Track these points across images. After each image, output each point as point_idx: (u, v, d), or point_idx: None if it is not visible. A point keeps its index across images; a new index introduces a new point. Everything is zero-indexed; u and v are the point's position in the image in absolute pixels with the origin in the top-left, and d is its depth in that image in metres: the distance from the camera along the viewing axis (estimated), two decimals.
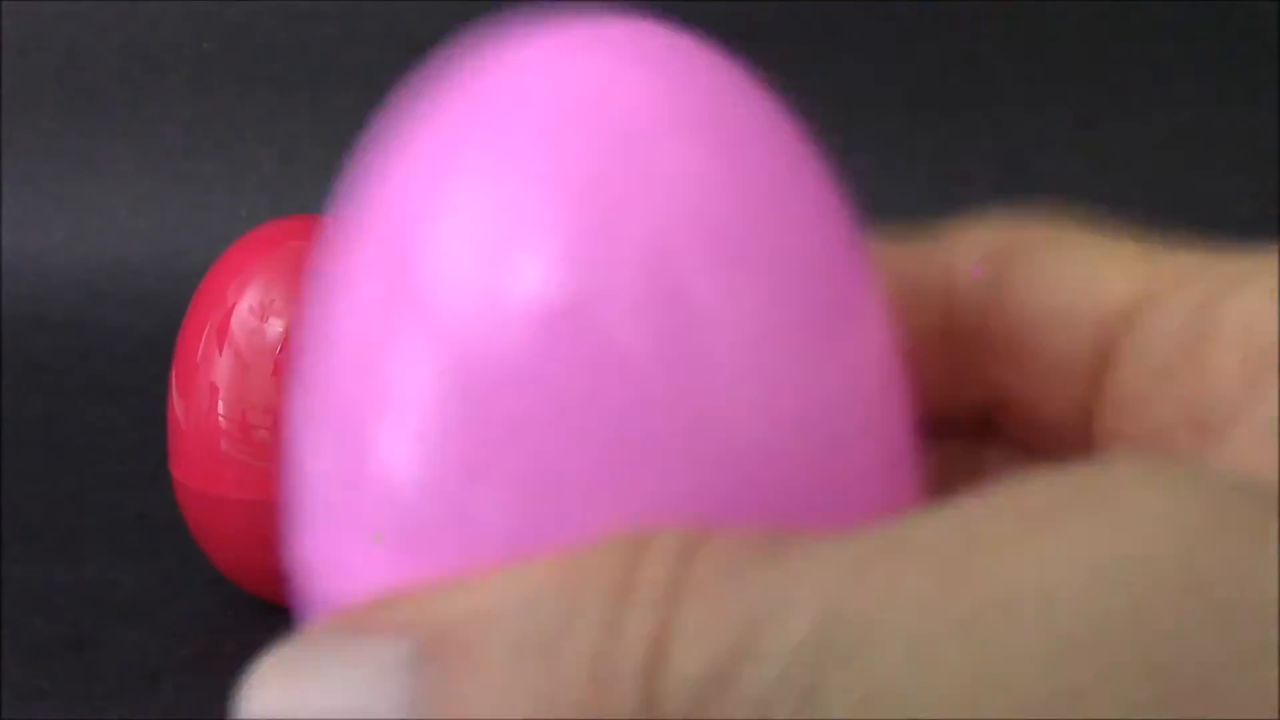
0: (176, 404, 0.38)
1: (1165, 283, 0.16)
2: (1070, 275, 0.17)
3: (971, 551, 0.11)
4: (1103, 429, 0.17)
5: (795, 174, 0.15)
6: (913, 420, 0.16)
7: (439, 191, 0.15)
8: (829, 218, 0.15)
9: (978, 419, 0.19)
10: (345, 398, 0.15)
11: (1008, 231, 0.18)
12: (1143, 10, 0.68)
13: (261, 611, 0.39)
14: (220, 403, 0.36)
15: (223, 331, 0.37)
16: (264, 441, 0.36)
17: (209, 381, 0.37)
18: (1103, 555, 0.11)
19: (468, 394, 0.14)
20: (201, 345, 0.37)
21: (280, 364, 0.36)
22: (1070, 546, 0.11)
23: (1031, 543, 0.11)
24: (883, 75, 0.67)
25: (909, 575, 0.11)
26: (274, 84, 0.71)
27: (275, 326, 0.36)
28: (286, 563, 0.16)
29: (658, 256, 0.14)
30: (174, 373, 0.38)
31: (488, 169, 0.14)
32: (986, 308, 0.18)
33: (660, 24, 0.16)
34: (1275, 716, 0.10)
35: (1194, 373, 0.15)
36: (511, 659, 0.12)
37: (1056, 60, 0.68)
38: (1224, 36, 0.67)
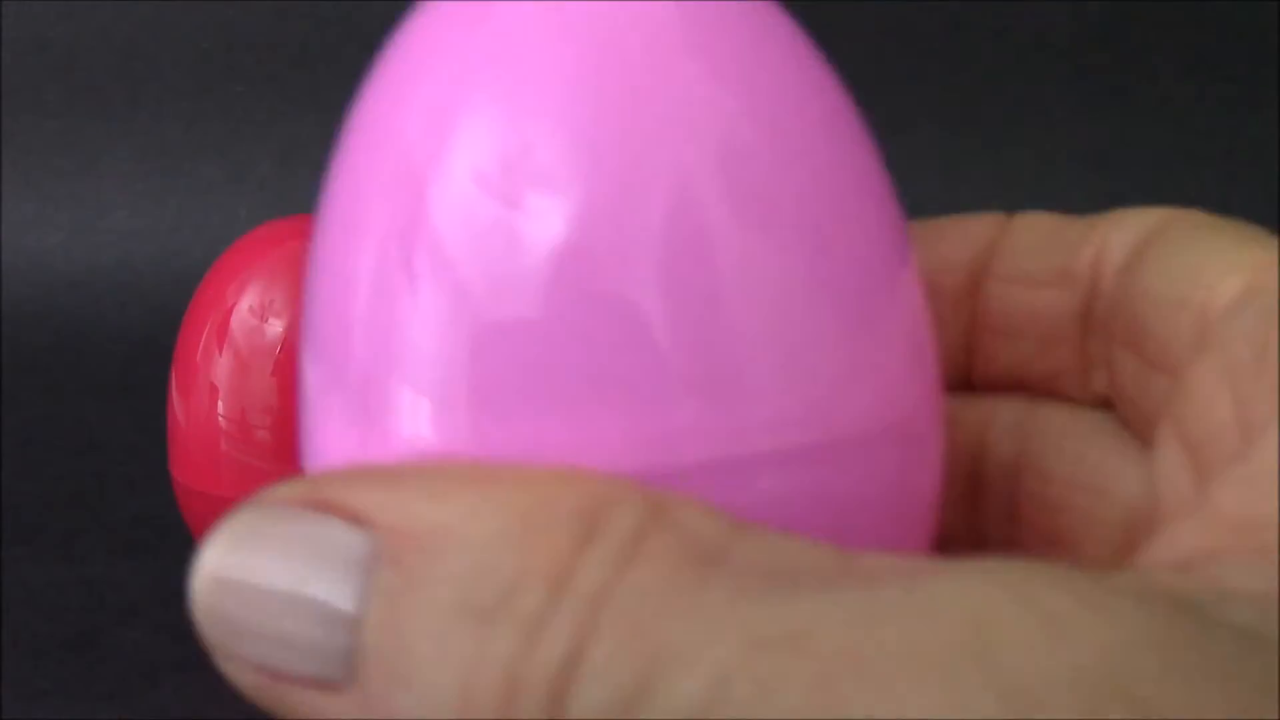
0: (176, 404, 0.38)
1: (1270, 275, 0.16)
2: (1181, 264, 0.17)
3: (858, 679, 0.11)
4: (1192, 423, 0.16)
5: (831, 125, 0.15)
6: (936, 397, 0.16)
7: (450, 123, 0.14)
8: (863, 176, 0.15)
9: (1103, 403, 0.19)
10: (350, 342, 0.14)
11: (1154, 220, 0.18)
12: (1143, 10, 0.68)
13: None
14: (220, 403, 0.36)
15: (223, 331, 0.37)
16: (264, 441, 0.36)
17: (209, 381, 0.37)
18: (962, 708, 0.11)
19: (479, 335, 0.13)
20: (201, 345, 0.37)
21: (280, 364, 0.36)
22: (940, 704, 0.11)
23: (904, 689, 0.11)
24: (884, 75, 0.67)
25: (795, 679, 0.11)
26: (274, 84, 0.71)
27: (275, 326, 0.36)
28: None
29: (679, 192, 0.13)
30: (174, 373, 0.38)
31: (501, 96, 0.14)
32: (1118, 295, 0.18)
33: None
34: None
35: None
36: (456, 609, 0.12)
37: (1056, 60, 0.68)
38: (1224, 36, 0.67)
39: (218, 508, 0.37)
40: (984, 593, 0.11)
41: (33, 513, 0.46)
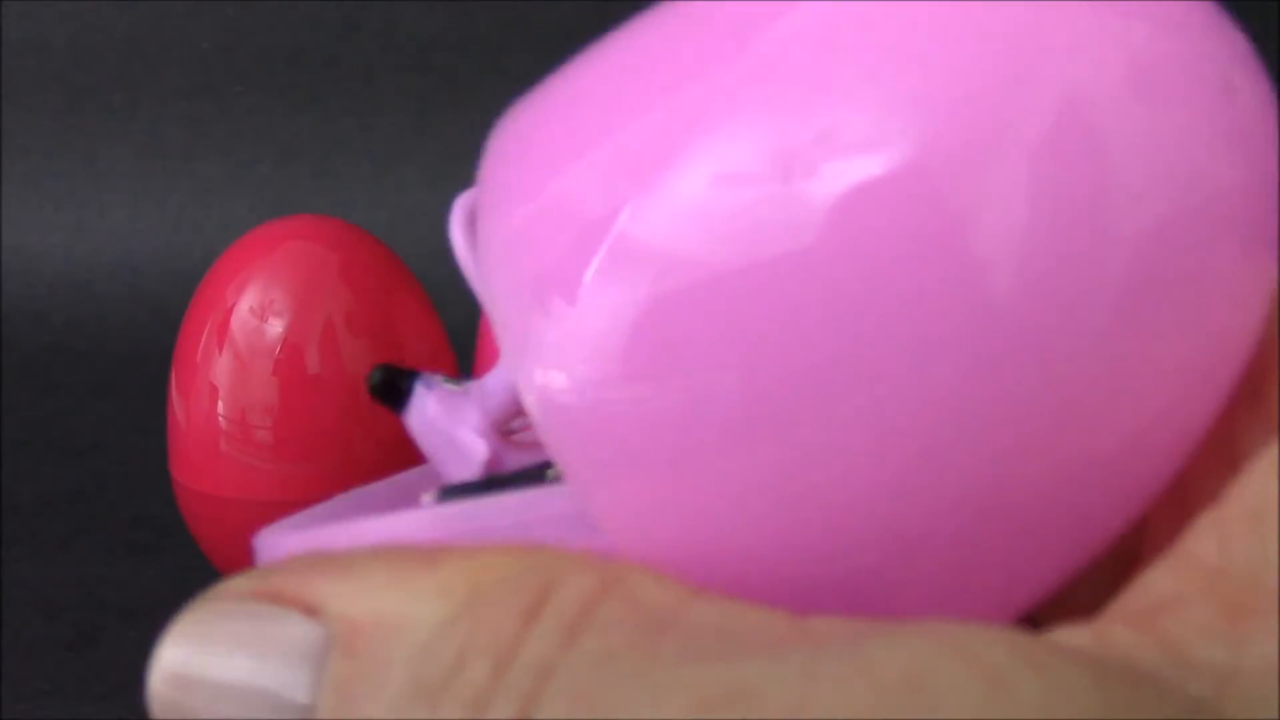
0: (176, 404, 0.38)
1: None
2: None
3: None
4: None
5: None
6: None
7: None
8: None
9: None
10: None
11: None
12: None
13: None
14: (220, 403, 0.36)
15: (223, 331, 0.37)
16: (264, 441, 0.36)
17: (209, 381, 0.37)
18: None
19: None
20: (201, 345, 0.37)
21: (280, 364, 0.36)
22: None
23: None
24: None
25: None
26: (274, 84, 0.71)
27: (275, 326, 0.36)
28: None
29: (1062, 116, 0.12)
30: (174, 373, 0.38)
31: None
32: None
33: None
34: None
35: None
36: (406, 693, 0.12)
37: None
38: None
39: (218, 508, 0.38)
40: (925, 649, 0.11)
41: (33, 513, 0.46)
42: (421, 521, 0.15)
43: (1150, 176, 0.12)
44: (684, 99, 0.13)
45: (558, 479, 0.22)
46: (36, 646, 0.38)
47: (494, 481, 0.21)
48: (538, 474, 0.22)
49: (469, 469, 0.22)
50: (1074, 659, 0.11)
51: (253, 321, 0.36)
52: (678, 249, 0.13)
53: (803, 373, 0.12)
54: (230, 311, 0.37)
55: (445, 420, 0.22)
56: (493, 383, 0.23)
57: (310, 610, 0.13)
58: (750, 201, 0.12)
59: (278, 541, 0.17)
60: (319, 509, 0.21)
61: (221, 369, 0.36)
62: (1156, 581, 0.13)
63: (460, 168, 0.66)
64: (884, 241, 0.12)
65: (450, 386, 0.22)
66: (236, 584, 0.13)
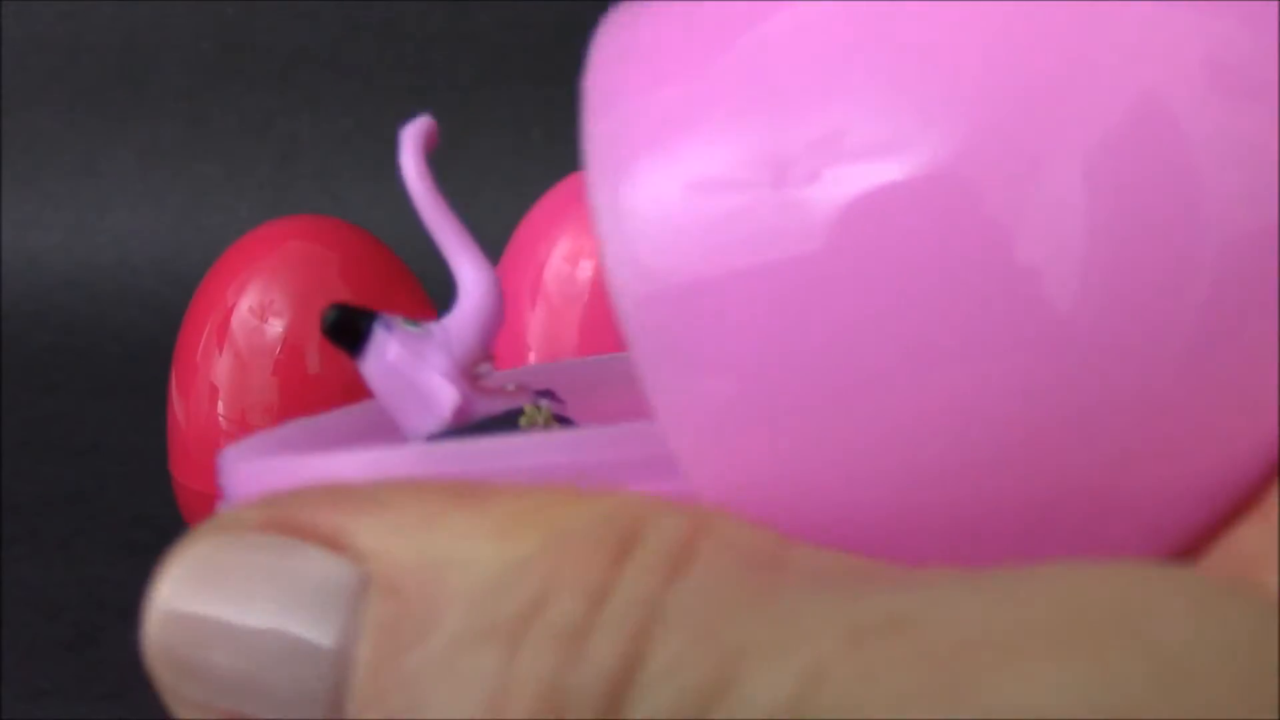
0: (176, 404, 0.38)
1: None
2: None
3: (979, 658, 0.10)
4: None
5: None
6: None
7: None
8: None
9: None
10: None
11: None
12: None
13: None
14: (220, 403, 0.36)
15: (223, 331, 0.37)
16: None
17: (209, 381, 0.37)
18: (1121, 691, 0.10)
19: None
20: (201, 345, 0.37)
21: (280, 364, 0.36)
22: (1084, 676, 0.10)
23: (1041, 664, 0.10)
24: None
25: (906, 662, 0.10)
26: (274, 84, 0.71)
27: (275, 326, 0.36)
28: None
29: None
30: (174, 373, 0.38)
31: None
32: None
33: None
34: None
35: None
36: (471, 632, 0.11)
37: None
38: None
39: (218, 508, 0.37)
40: (1128, 575, 0.11)
41: (33, 513, 0.46)
42: (409, 459, 0.14)
43: (1237, 185, 0.12)
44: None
45: (533, 426, 0.21)
46: (36, 646, 0.38)
47: (465, 431, 0.20)
48: (510, 421, 0.21)
49: (433, 418, 0.20)
50: (1256, 592, 0.11)
51: (253, 321, 0.36)
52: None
53: (887, 349, 0.12)
54: (230, 311, 0.37)
55: (409, 364, 0.21)
56: (454, 322, 0.22)
57: (334, 546, 0.12)
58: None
59: (251, 469, 0.16)
60: (271, 436, 0.20)
61: (221, 369, 0.36)
62: (1244, 539, 0.12)
63: (460, 167, 0.66)
64: (912, 245, 0.12)
65: (411, 328, 0.21)
66: (244, 514, 0.12)
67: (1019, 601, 0.11)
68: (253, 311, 0.36)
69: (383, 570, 0.11)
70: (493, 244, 0.42)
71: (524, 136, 0.69)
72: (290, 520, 0.12)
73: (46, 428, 0.54)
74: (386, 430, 0.22)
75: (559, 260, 0.38)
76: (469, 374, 0.21)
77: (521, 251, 0.39)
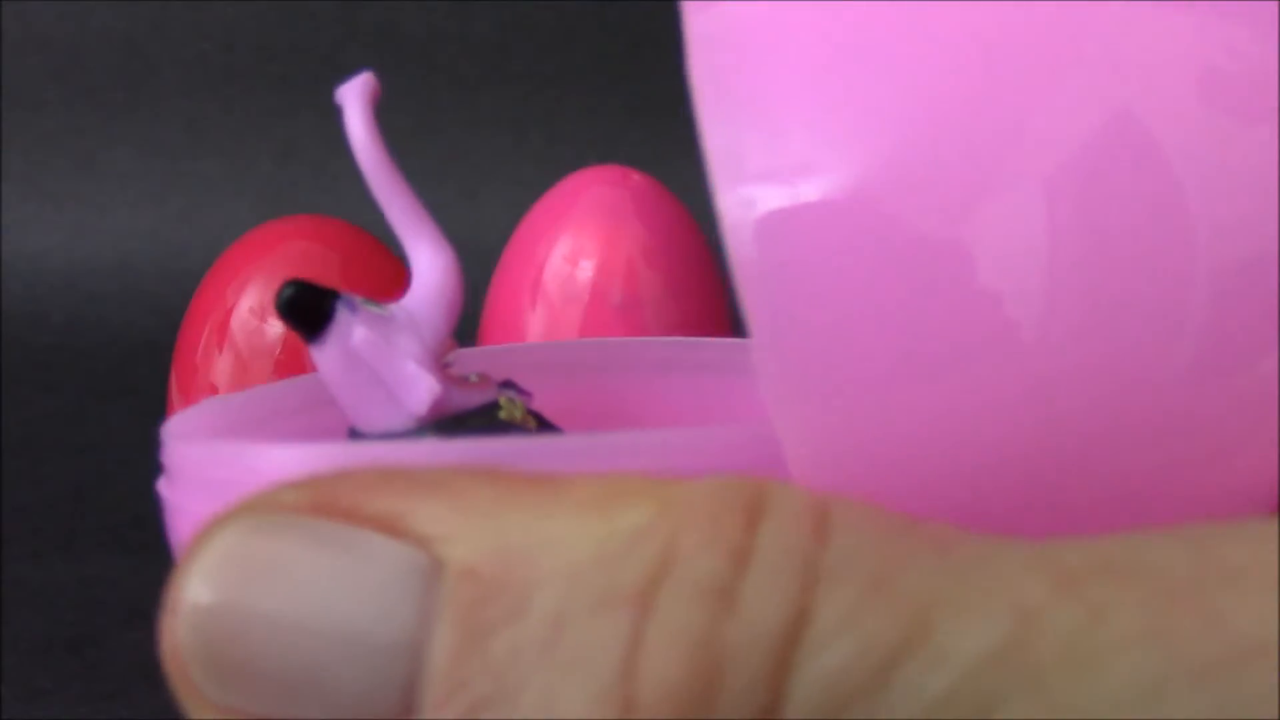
0: (176, 404, 0.38)
1: None
2: None
3: (1216, 589, 0.10)
4: None
5: None
6: None
7: None
8: None
9: None
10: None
11: None
12: None
13: None
14: None
15: (223, 331, 0.37)
16: None
17: (209, 381, 0.37)
18: None
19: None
20: (201, 345, 0.37)
21: (280, 364, 0.36)
22: None
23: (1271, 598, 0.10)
24: None
25: (1137, 600, 0.10)
26: (274, 84, 0.71)
27: (275, 326, 0.36)
28: None
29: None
30: (174, 373, 0.38)
31: None
32: None
33: None
34: None
35: None
36: (578, 610, 0.10)
37: None
38: None
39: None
40: None
41: (33, 513, 0.46)
42: (427, 453, 0.13)
43: (1230, 205, 0.11)
44: None
45: (512, 424, 0.20)
46: (36, 646, 0.38)
47: (444, 425, 0.18)
48: (489, 415, 0.19)
49: (403, 412, 0.18)
50: None
51: (253, 321, 0.36)
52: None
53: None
54: (230, 311, 0.37)
55: (377, 350, 0.18)
56: (417, 305, 0.19)
57: (391, 530, 0.10)
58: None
59: (215, 450, 0.15)
60: (217, 403, 0.18)
61: (221, 369, 0.36)
62: None
63: (460, 167, 0.66)
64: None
65: (375, 309, 0.19)
66: (285, 496, 0.11)
67: (1220, 549, 0.10)
68: (253, 311, 0.36)
69: (455, 554, 0.10)
70: (493, 244, 0.42)
71: (524, 136, 0.69)
72: (340, 503, 0.11)
73: (46, 428, 0.54)
74: (322, 409, 0.20)
75: (559, 260, 0.38)
76: (440, 362, 0.19)
77: (521, 251, 0.39)
